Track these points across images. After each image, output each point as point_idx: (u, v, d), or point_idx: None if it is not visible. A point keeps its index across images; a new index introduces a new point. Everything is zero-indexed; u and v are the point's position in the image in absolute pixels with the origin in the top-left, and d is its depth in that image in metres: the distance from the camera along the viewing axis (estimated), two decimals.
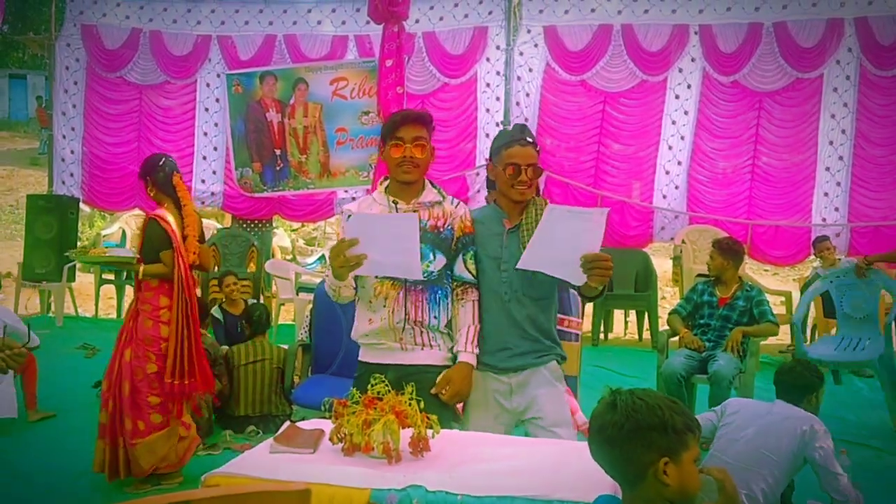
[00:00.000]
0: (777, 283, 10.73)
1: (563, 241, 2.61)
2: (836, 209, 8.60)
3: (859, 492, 3.28)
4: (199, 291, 4.36)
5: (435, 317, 2.83)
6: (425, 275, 2.80)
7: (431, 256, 2.85)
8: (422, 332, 2.83)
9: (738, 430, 3.37)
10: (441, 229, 2.90)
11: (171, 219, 4.16)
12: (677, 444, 1.65)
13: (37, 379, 5.27)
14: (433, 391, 2.76)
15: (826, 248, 7.90)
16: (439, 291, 2.85)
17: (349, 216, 2.69)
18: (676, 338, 5.26)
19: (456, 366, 2.83)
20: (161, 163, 4.30)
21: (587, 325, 7.50)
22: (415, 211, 2.85)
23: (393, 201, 2.89)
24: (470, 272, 2.89)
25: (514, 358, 2.87)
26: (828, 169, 8.60)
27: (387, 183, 2.95)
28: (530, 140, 2.94)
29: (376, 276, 2.82)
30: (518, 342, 2.88)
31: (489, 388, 2.88)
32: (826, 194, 8.62)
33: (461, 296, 2.89)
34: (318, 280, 5.15)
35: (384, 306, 2.83)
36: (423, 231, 2.82)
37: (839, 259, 7.97)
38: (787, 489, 3.54)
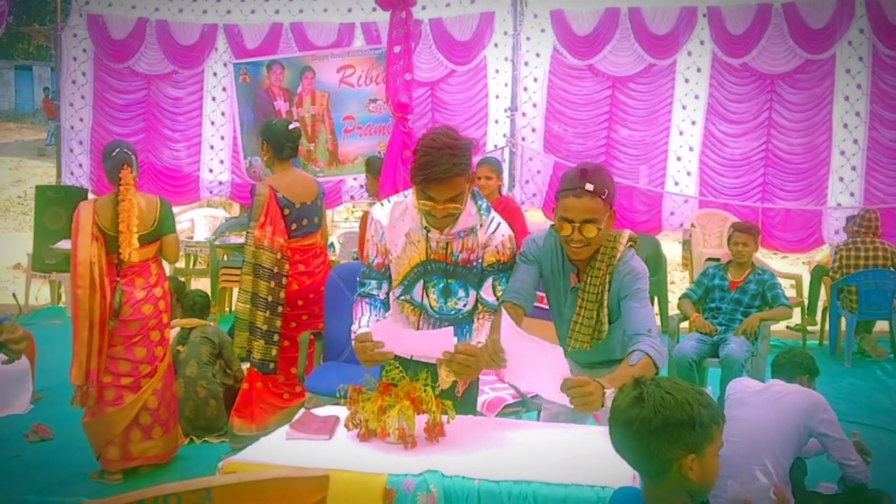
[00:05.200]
0: (787, 266, 10.65)
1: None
2: (852, 194, 8.42)
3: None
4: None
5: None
6: (455, 312, 2.71)
7: (462, 293, 2.70)
8: None
9: (734, 408, 3.37)
10: (473, 263, 2.68)
11: (87, 210, 4.01)
12: (703, 438, 1.63)
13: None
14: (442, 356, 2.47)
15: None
16: (466, 327, 2.74)
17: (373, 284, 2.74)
18: (687, 322, 5.25)
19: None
20: (113, 153, 4.12)
21: None
22: (448, 242, 2.65)
23: (425, 227, 2.64)
24: (497, 298, 2.69)
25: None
26: (842, 153, 8.46)
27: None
28: (590, 188, 2.47)
29: (401, 299, 2.76)
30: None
31: None
32: (841, 179, 8.46)
33: (482, 315, 2.70)
34: None
35: (409, 326, 2.79)
36: (455, 265, 2.67)
37: None
38: (800, 472, 3.53)
